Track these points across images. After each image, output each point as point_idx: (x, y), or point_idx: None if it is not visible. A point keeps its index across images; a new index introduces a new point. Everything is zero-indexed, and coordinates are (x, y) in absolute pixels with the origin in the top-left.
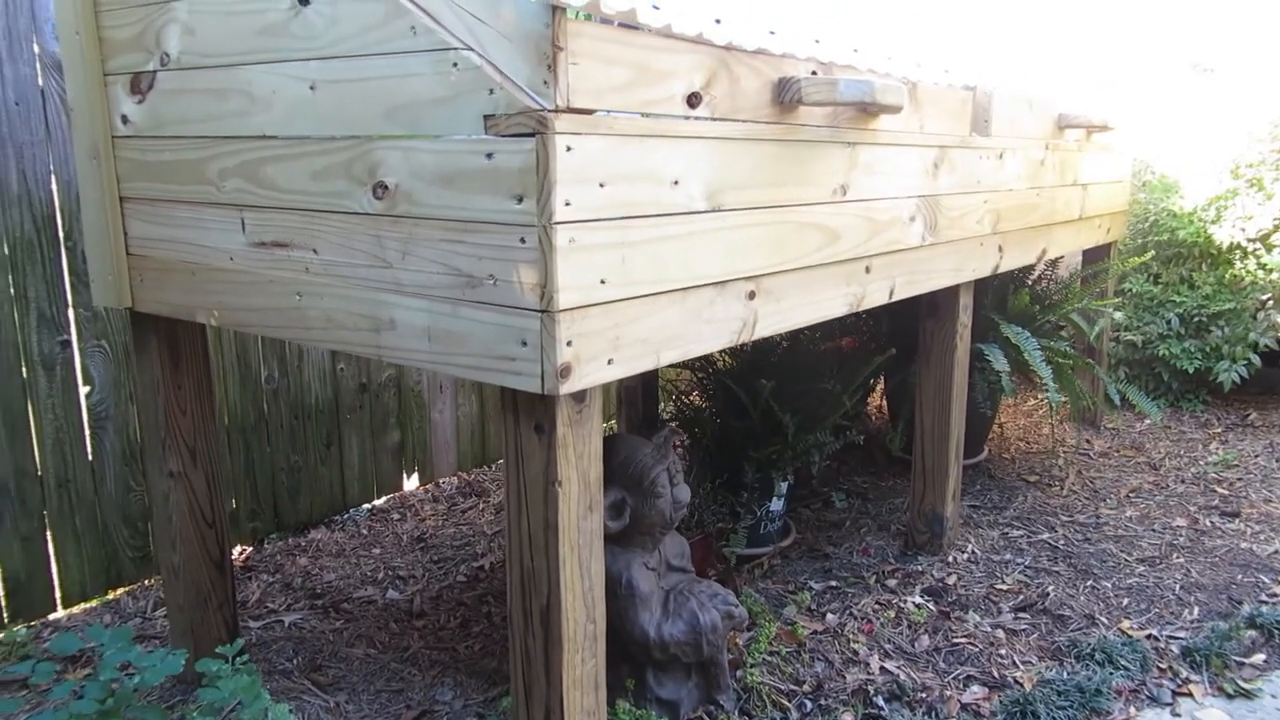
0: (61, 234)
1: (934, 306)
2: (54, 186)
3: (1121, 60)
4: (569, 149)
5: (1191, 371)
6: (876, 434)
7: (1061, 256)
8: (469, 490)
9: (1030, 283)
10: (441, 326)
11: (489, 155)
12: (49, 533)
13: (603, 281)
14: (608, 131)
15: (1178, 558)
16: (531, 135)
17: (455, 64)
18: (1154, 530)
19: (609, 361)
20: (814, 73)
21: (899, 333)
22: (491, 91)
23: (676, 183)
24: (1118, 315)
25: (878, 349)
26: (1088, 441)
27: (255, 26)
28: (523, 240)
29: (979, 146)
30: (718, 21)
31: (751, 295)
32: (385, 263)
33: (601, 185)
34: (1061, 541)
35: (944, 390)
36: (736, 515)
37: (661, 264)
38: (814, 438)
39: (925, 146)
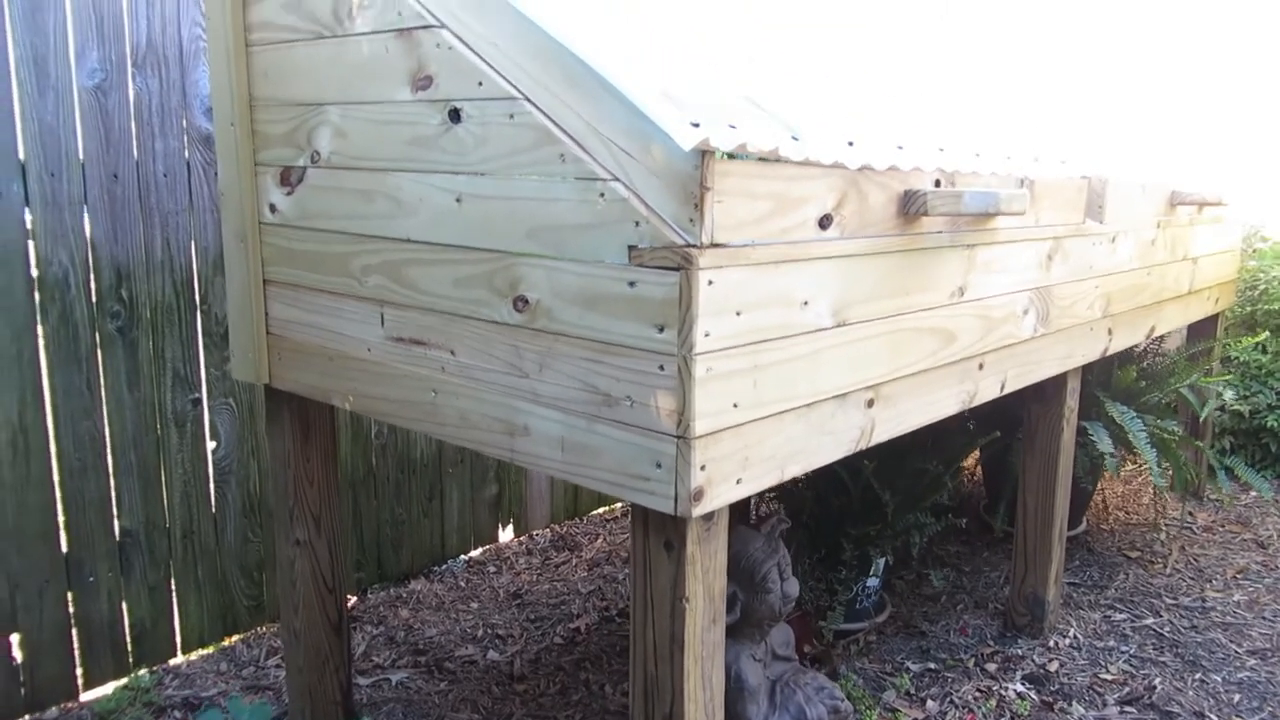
0: (198, 298)
1: (1040, 390)
2: (193, 253)
3: (1234, 126)
4: (710, 283)
5: None
6: (970, 498)
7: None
8: (561, 544)
9: (1136, 356)
10: (576, 439)
11: (632, 284)
12: (173, 582)
13: (735, 405)
14: (746, 262)
15: None
16: (676, 270)
17: (602, 194)
18: (1264, 618)
19: (738, 481)
20: (938, 182)
21: (997, 406)
22: (637, 224)
23: (806, 303)
24: (1228, 394)
25: (976, 421)
26: (1191, 514)
27: (406, 137)
28: (662, 368)
29: (1092, 233)
30: (850, 144)
31: (870, 403)
32: (522, 372)
33: (738, 314)
34: (1167, 628)
35: (1049, 474)
36: (833, 591)
37: (789, 383)
38: (914, 518)
39: (1040, 239)
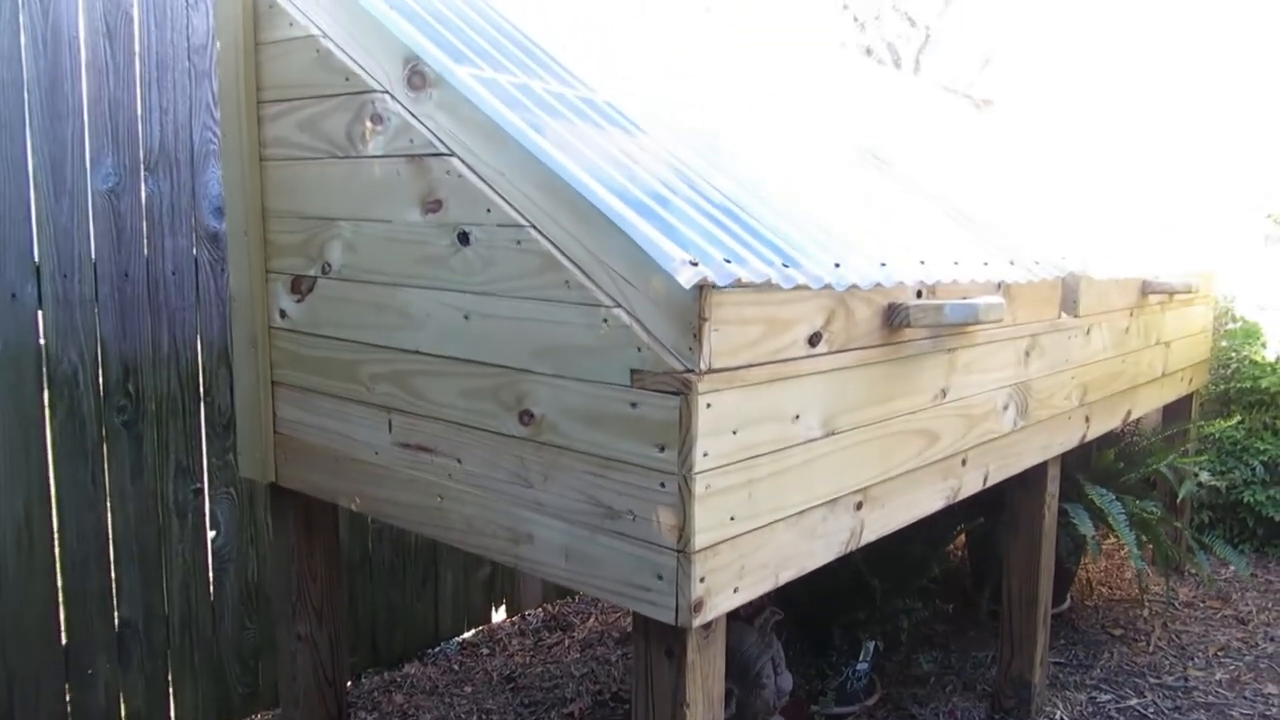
0: (202, 390)
1: (1022, 479)
2: (199, 346)
3: (1205, 208)
4: (709, 406)
5: (1278, 519)
6: (956, 575)
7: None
8: (554, 623)
9: (1114, 438)
10: (580, 549)
11: (634, 405)
12: (170, 671)
13: (732, 518)
14: (741, 384)
15: None
16: (676, 394)
17: (605, 320)
18: (1245, 698)
19: (734, 590)
20: (919, 293)
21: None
22: (639, 349)
23: (797, 417)
24: (1204, 475)
25: (961, 502)
26: (1172, 590)
27: (416, 255)
28: (663, 485)
29: (1067, 328)
30: (837, 265)
31: (859, 506)
32: (527, 483)
33: (734, 433)
34: (1151, 709)
35: (1032, 559)
36: (824, 676)
37: (782, 493)
38: (902, 602)
39: (1018, 338)
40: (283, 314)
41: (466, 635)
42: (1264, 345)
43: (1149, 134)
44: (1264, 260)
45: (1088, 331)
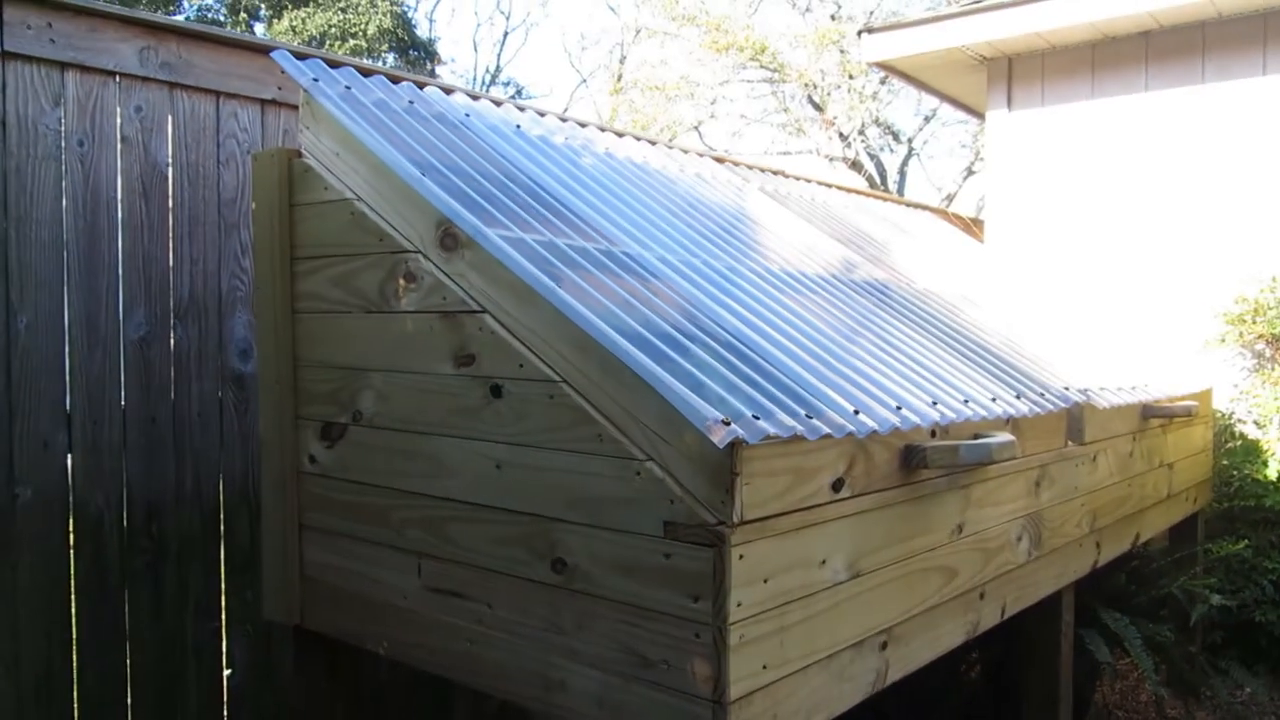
0: (223, 528)
1: (1038, 608)
2: (221, 486)
3: (1197, 319)
4: (741, 557)
5: None
6: (973, 699)
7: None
8: None
9: (1123, 559)
10: (613, 698)
11: (667, 555)
12: None
13: (764, 666)
14: (771, 533)
15: None
16: (709, 546)
17: (638, 473)
18: None
19: None
20: (933, 433)
21: None
22: (672, 502)
23: (824, 562)
24: (1214, 598)
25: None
26: (1190, 714)
27: (448, 406)
28: (697, 635)
29: (1074, 456)
30: (856, 412)
31: (884, 645)
32: (560, 630)
33: (765, 581)
34: None
35: (1050, 690)
36: None
37: (811, 638)
38: None
39: (1028, 469)
40: (312, 459)
41: None
42: (1265, 464)
43: (1135, 237)
44: (1258, 376)
45: (1094, 458)
